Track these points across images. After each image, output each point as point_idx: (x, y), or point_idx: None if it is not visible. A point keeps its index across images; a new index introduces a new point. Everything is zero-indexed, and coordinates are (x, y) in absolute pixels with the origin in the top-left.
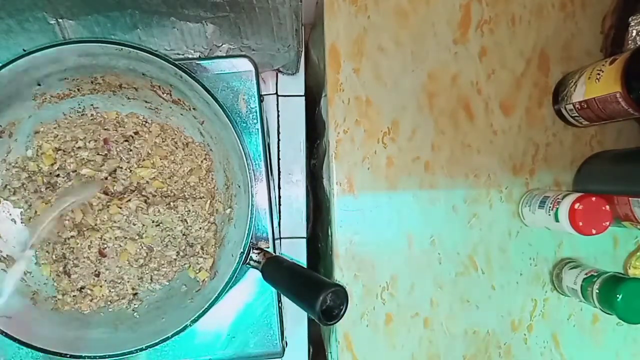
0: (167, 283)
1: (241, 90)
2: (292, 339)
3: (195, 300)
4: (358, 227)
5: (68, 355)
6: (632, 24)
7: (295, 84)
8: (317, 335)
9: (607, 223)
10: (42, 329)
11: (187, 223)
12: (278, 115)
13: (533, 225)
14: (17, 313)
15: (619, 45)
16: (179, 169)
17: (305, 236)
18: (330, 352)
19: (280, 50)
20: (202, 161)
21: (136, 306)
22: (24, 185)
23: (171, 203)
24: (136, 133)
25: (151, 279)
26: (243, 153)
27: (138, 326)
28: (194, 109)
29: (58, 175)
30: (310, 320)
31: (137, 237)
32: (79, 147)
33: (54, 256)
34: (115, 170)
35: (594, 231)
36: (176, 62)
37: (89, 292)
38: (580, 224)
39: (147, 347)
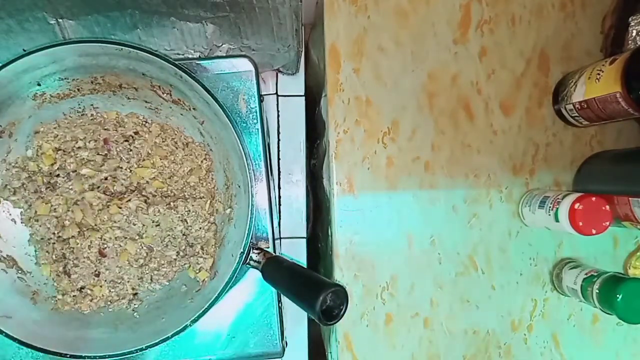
0: (167, 283)
1: (241, 90)
2: (292, 339)
3: (195, 300)
4: (358, 227)
5: (68, 355)
6: (632, 24)
7: (295, 84)
8: (317, 335)
9: (607, 223)
10: (42, 329)
11: (187, 223)
12: (278, 115)
13: (533, 225)
14: (17, 313)
15: (619, 45)
16: (179, 169)
17: (305, 236)
18: (330, 352)
19: (280, 50)
20: (202, 161)
21: (136, 306)
22: (24, 185)
23: (171, 203)
24: (136, 133)
25: (151, 279)
26: (243, 153)
27: (138, 326)
28: (194, 109)
29: (58, 175)
30: (310, 320)
31: (137, 237)
32: (79, 147)
33: (54, 256)
34: (115, 170)
35: (594, 231)
36: (176, 62)
37: (89, 292)
38: (580, 224)
39: (147, 347)
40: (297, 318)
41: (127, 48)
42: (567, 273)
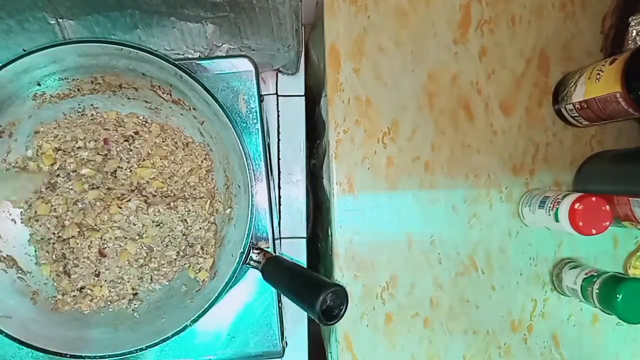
0: (167, 283)
1: (241, 90)
2: (292, 339)
3: (195, 300)
4: (358, 227)
5: (68, 355)
6: (632, 24)
7: (295, 84)
8: (317, 335)
9: (607, 223)
10: (42, 329)
11: (187, 223)
12: (278, 115)
13: (533, 225)
14: (17, 313)
15: (619, 45)
16: (179, 169)
17: (305, 236)
18: (330, 352)
19: (280, 50)
20: (202, 161)
21: (136, 306)
22: (24, 185)
23: (171, 203)
24: (136, 133)
25: (151, 279)
26: (243, 153)
27: (138, 326)
28: (194, 109)
29: (58, 175)
30: (310, 320)
31: (137, 237)
32: (79, 147)
33: (54, 256)
34: (115, 170)
35: (594, 231)
36: (176, 62)
37: (89, 292)
38: (580, 224)
39: (147, 347)
40: (297, 318)
41: (127, 48)
42: (567, 273)
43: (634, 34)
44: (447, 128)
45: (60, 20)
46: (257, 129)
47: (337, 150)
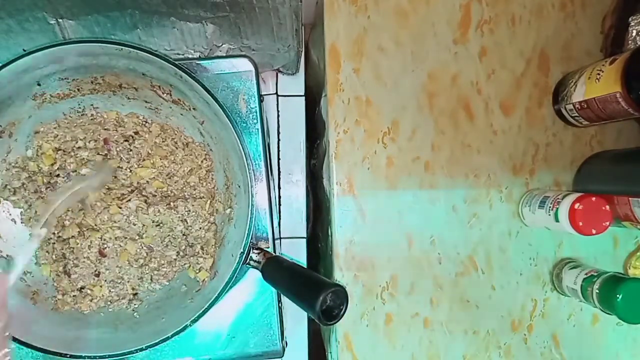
0: (167, 283)
1: (241, 90)
2: (292, 339)
3: (195, 300)
4: (358, 227)
5: (68, 355)
6: (632, 24)
7: (295, 84)
8: (317, 335)
9: (607, 223)
10: (42, 329)
11: (187, 223)
12: (278, 115)
13: (533, 225)
14: (17, 313)
15: (619, 45)
16: (179, 169)
17: (305, 236)
18: (330, 352)
19: (280, 50)
20: (202, 161)
21: (136, 306)
22: (24, 185)
23: (171, 203)
24: (136, 133)
25: (151, 279)
26: (243, 153)
27: (138, 326)
28: (194, 109)
29: (58, 175)
30: (310, 320)
31: (137, 237)
32: (79, 147)
33: (54, 256)
34: (115, 170)
35: (594, 231)
36: (176, 62)
37: (89, 292)
38: (580, 224)
39: (147, 347)
40: (297, 318)
41: (127, 48)
42: (567, 273)
43: (634, 34)
44: (447, 128)
45: (60, 20)
46: (257, 129)
47: (337, 150)
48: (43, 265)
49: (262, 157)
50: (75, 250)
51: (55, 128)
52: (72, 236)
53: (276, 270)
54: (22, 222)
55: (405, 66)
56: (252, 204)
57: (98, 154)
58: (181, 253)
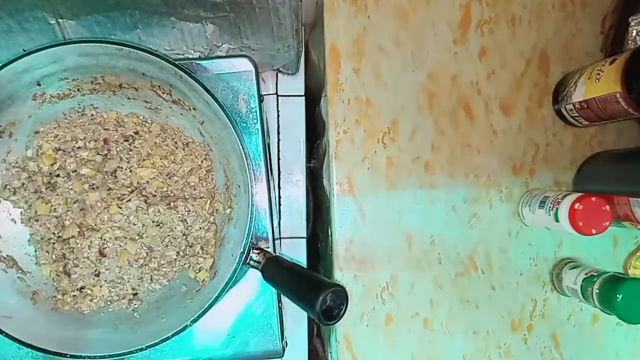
0: (167, 283)
1: (241, 90)
2: (292, 339)
3: (195, 300)
4: (358, 227)
5: (68, 355)
6: (632, 24)
7: (295, 84)
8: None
9: (607, 223)
10: (42, 329)
11: (187, 223)
12: (278, 115)
13: (533, 225)
14: (17, 313)
15: (619, 45)
16: (179, 169)
17: (305, 236)
18: (330, 352)
19: (280, 50)
20: (202, 161)
21: (136, 306)
22: (24, 185)
23: (171, 203)
24: (136, 133)
25: (151, 279)
26: (243, 153)
27: (138, 326)
28: (194, 109)
29: (58, 175)
30: (310, 320)
31: (137, 237)
32: (79, 147)
33: (54, 256)
34: (115, 170)
35: (594, 231)
36: (176, 62)
37: (89, 292)
38: (580, 224)
39: (147, 347)
40: (297, 318)
41: (127, 48)
42: (567, 273)
43: (634, 34)
44: (447, 128)
45: (60, 20)
46: (257, 129)
47: (337, 150)
48: (43, 265)
49: (262, 157)
50: (75, 250)
51: (55, 128)
52: (72, 236)
53: (276, 270)
54: (22, 222)
55: (405, 66)
56: (252, 204)
57: (98, 154)
58: (181, 253)
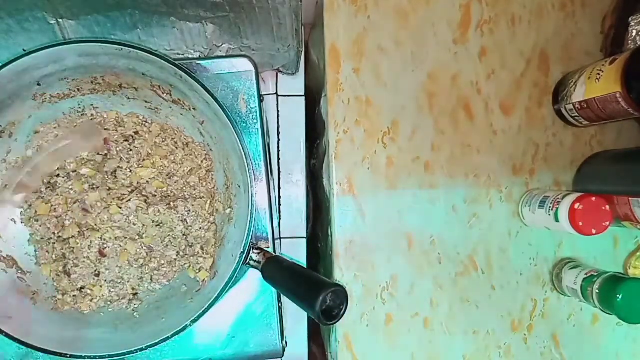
0: (167, 283)
1: (241, 90)
2: (292, 339)
3: (195, 300)
4: (358, 227)
5: (68, 355)
6: (632, 24)
7: (295, 84)
8: (317, 335)
9: (607, 223)
10: (42, 329)
11: (187, 223)
12: (278, 115)
13: (533, 225)
14: (17, 313)
15: (619, 45)
16: (179, 169)
17: (305, 236)
18: (330, 352)
19: (280, 50)
20: (202, 161)
21: (136, 306)
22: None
23: (171, 203)
24: (136, 133)
25: (151, 279)
26: (243, 153)
27: (138, 326)
28: (194, 109)
29: (58, 175)
30: (310, 320)
31: (137, 237)
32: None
33: (54, 256)
34: (115, 170)
35: (594, 231)
36: (176, 62)
37: (89, 292)
38: (580, 224)
39: (147, 347)
40: (297, 318)
41: (127, 48)
42: (567, 273)
43: (634, 34)
44: (447, 128)
45: (60, 20)
46: (257, 129)
47: (337, 150)
48: (43, 265)
49: (262, 157)
50: (75, 250)
51: (55, 128)
52: (72, 236)
53: (276, 270)
54: (22, 222)
55: (405, 66)
56: (252, 204)
57: (98, 154)
58: (181, 253)
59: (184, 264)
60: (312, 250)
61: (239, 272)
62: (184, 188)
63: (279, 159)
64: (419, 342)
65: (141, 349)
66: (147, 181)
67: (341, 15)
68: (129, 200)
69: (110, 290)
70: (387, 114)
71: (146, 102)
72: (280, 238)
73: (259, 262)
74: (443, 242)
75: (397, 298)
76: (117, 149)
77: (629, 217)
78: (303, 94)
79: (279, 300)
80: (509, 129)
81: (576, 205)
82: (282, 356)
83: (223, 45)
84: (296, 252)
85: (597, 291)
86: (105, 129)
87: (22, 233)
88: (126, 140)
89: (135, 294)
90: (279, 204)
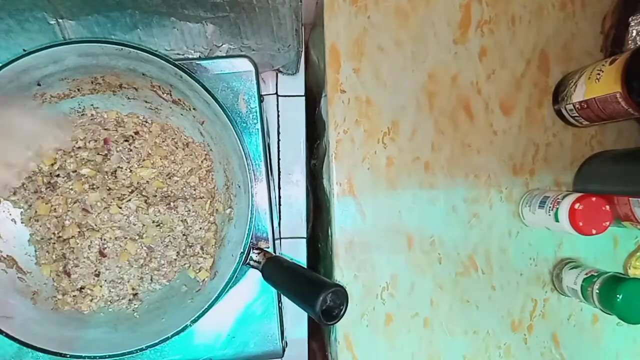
0: (167, 283)
1: (241, 90)
2: (292, 339)
3: (195, 300)
4: (358, 227)
5: (68, 355)
6: (632, 24)
7: (295, 84)
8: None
9: (607, 223)
10: (42, 329)
11: (187, 223)
12: (278, 115)
13: (533, 225)
14: (17, 313)
15: (619, 45)
16: (179, 169)
17: (305, 236)
18: (330, 352)
19: (280, 50)
20: (202, 161)
21: (136, 306)
22: (24, 185)
23: (171, 203)
24: (136, 133)
25: (151, 279)
26: (243, 153)
27: (138, 326)
28: (194, 109)
29: (58, 175)
30: (310, 320)
31: (137, 237)
32: (79, 147)
33: (54, 256)
34: (115, 170)
35: (594, 231)
36: (176, 62)
37: (89, 292)
38: (580, 224)
39: (147, 347)
40: (297, 318)
41: (127, 48)
42: (567, 273)
43: (634, 34)
44: (447, 128)
45: (60, 20)
46: (257, 129)
47: (337, 150)
48: (43, 265)
49: (262, 157)
50: (75, 250)
51: (55, 128)
52: (72, 236)
53: (276, 270)
54: (22, 222)
55: (405, 66)
56: (252, 204)
57: (98, 154)
58: (181, 253)
59: (184, 264)
60: (312, 251)
61: (239, 272)
62: (184, 188)
63: (279, 159)
64: (419, 342)
65: (141, 349)
66: (147, 181)
67: (341, 15)
68: (129, 200)
69: (110, 290)
70: (387, 114)
71: (146, 102)
72: (280, 238)
73: (259, 262)
74: (443, 242)
75: (397, 298)
76: (117, 149)
77: (629, 217)
78: (303, 94)
79: (279, 300)
80: (509, 129)
81: (576, 205)
82: (282, 356)
83: (223, 45)
84: (296, 252)
85: (597, 291)
86: (105, 129)
87: (22, 233)
88: (126, 140)
89: (135, 294)
90: (279, 204)
